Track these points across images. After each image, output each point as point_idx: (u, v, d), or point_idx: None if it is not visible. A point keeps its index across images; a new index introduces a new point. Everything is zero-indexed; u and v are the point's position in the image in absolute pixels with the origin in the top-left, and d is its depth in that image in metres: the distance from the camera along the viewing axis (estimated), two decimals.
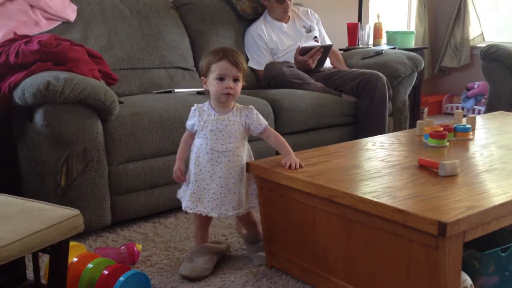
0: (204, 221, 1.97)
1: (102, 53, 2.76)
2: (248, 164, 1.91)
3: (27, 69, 2.19)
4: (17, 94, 2.13)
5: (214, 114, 1.86)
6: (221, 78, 1.82)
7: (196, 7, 3.44)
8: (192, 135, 1.92)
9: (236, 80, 1.84)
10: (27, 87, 2.09)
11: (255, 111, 1.91)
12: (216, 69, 1.82)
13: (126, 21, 3.09)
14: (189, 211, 1.90)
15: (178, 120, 2.44)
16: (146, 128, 2.36)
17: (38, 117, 2.12)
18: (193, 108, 1.92)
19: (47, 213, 1.43)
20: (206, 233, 2.01)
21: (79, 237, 2.22)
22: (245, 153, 1.92)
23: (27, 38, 2.37)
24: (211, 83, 1.84)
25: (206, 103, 1.91)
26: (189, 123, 1.92)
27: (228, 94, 1.82)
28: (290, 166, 1.84)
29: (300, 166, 1.85)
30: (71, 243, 1.67)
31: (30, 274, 1.74)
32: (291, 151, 1.92)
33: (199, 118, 1.88)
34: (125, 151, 2.30)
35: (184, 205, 1.93)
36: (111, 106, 2.21)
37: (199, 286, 1.86)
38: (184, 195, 1.95)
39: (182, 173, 1.92)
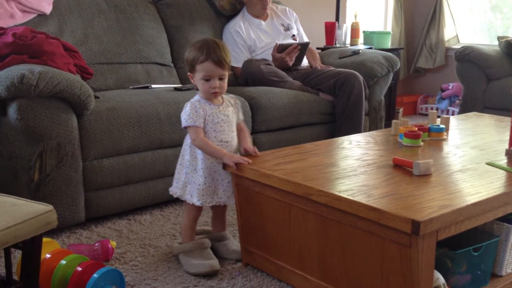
0: (198, 212, 2.00)
1: (77, 47, 2.72)
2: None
3: (1, 62, 2.15)
4: None
5: (214, 107, 1.91)
6: (207, 79, 1.86)
7: (174, 2, 3.41)
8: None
9: (221, 78, 1.88)
10: (1, 80, 2.05)
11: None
12: (201, 69, 1.86)
13: (103, 15, 3.05)
14: (208, 204, 1.93)
15: (154, 116, 2.42)
16: (122, 123, 2.33)
17: (12, 110, 2.08)
18: (194, 106, 1.88)
19: (19, 208, 1.41)
20: (195, 226, 2.04)
21: (52, 233, 2.19)
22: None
23: (1, 31, 2.33)
24: (198, 82, 1.89)
25: (198, 98, 1.92)
26: (199, 120, 1.86)
27: (215, 92, 1.89)
28: (250, 151, 1.95)
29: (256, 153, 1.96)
30: (44, 239, 1.65)
31: (1, 270, 1.71)
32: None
33: (203, 112, 1.89)
34: (100, 147, 2.28)
35: (197, 201, 1.91)
36: (87, 100, 2.19)
37: (174, 284, 1.85)
38: (186, 193, 1.93)
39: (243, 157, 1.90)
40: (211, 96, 1.90)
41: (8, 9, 2.66)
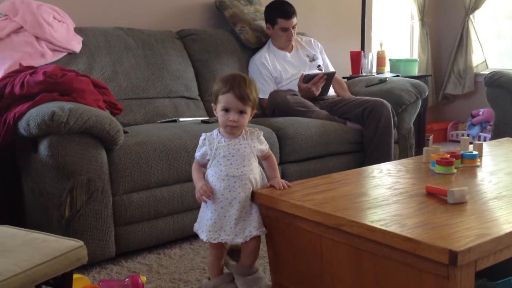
0: (222, 250, 1.94)
1: (107, 83, 2.77)
2: (253, 193, 1.88)
3: (32, 100, 2.19)
4: (22, 125, 2.13)
5: (224, 140, 1.86)
6: (226, 110, 1.83)
7: (200, 37, 3.46)
8: (203, 165, 1.91)
9: (241, 112, 1.84)
10: (32, 117, 2.09)
11: (261, 133, 1.93)
12: (222, 100, 1.83)
13: (131, 52, 3.11)
14: (213, 241, 1.85)
15: (183, 149, 2.43)
16: (151, 157, 2.35)
17: (43, 147, 2.12)
18: (202, 138, 1.90)
19: (50, 244, 1.41)
20: (221, 262, 1.98)
21: (82, 269, 2.19)
22: (258, 175, 1.91)
23: (32, 69, 2.38)
24: (218, 113, 1.86)
25: (215, 131, 1.90)
26: (198, 154, 1.90)
27: (231, 126, 1.84)
28: (279, 188, 1.88)
29: (288, 186, 1.90)
30: (75, 276, 1.65)
31: None
32: (279, 175, 1.98)
33: (210, 146, 1.87)
34: (130, 181, 2.29)
35: (205, 237, 1.85)
36: (116, 135, 2.21)
37: None
38: (200, 227, 1.90)
39: (209, 189, 1.84)
40: (227, 129, 1.85)
41: (39, 49, 2.73)
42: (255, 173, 1.89)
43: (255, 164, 1.90)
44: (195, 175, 1.91)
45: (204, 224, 1.87)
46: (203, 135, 1.90)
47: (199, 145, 1.90)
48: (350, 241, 1.59)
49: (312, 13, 4.41)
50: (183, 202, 2.46)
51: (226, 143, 1.86)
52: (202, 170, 1.92)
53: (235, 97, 1.81)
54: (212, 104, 1.91)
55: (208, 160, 1.88)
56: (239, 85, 1.82)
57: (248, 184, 1.86)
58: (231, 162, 1.85)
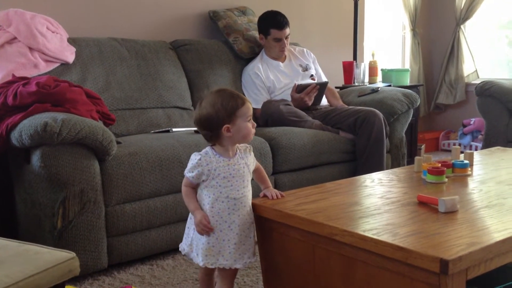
0: (210, 268, 1.83)
1: (100, 94, 2.77)
2: (252, 205, 1.87)
3: (25, 111, 2.19)
4: (14, 136, 2.13)
5: (223, 160, 1.76)
6: (249, 120, 1.77)
7: (194, 48, 3.48)
8: (195, 186, 1.79)
9: None
10: (25, 128, 2.09)
11: (251, 148, 1.88)
12: (242, 113, 1.75)
13: (124, 62, 3.11)
14: (211, 266, 1.75)
15: (176, 159, 2.44)
16: (144, 168, 2.35)
17: (35, 158, 2.11)
18: (196, 158, 1.76)
19: (42, 256, 1.41)
20: (213, 279, 1.91)
21: (75, 280, 2.18)
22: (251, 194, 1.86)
23: (25, 80, 2.38)
24: (241, 127, 1.75)
25: (208, 150, 1.78)
26: (192, 174, 1.75)
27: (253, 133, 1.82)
28: (272, 197, 1.87)
29: (282, 196, 1.88)
30: (67, 287, 1.64)
31: None
32: (270, 184, 1.96)
33: (207, 167, 1.75)
34: (123, 192, 2.29)
35: (201, 261, 1.76)
36: (109, 146, 2.21)
37: None
38: (192, 250, 1.80)
39: (208, 221, 1.74)
40: (249, 138, 1.78)
41: (32, 59, 2.74)
42: (251, 193, 1.83)
43: (250, 184, 1.84)
44: (191, 203, 1.78)
45: (200, 248, 1.77)
46: (198, 155, 1.77)
47: (192, 165, 1.76)
48: (343, 250, 1.60)
49: (305, 24, 4.44)
50: (176, 213, 2.45)
51: (226, 163, 1.76)
52: (194, 192, 1.81)
53: (250, 105, 1.79)
54: (226, 126, 1.73)
55: (203, 180, 1.76)
56: (242, 96, 1.80)
57: (247, 206, 1.79)
58: (231, 183, 1.76)
